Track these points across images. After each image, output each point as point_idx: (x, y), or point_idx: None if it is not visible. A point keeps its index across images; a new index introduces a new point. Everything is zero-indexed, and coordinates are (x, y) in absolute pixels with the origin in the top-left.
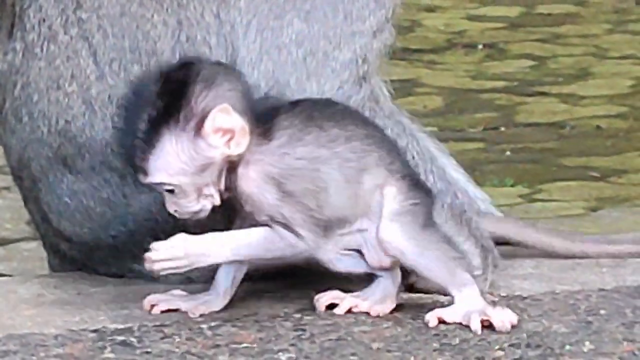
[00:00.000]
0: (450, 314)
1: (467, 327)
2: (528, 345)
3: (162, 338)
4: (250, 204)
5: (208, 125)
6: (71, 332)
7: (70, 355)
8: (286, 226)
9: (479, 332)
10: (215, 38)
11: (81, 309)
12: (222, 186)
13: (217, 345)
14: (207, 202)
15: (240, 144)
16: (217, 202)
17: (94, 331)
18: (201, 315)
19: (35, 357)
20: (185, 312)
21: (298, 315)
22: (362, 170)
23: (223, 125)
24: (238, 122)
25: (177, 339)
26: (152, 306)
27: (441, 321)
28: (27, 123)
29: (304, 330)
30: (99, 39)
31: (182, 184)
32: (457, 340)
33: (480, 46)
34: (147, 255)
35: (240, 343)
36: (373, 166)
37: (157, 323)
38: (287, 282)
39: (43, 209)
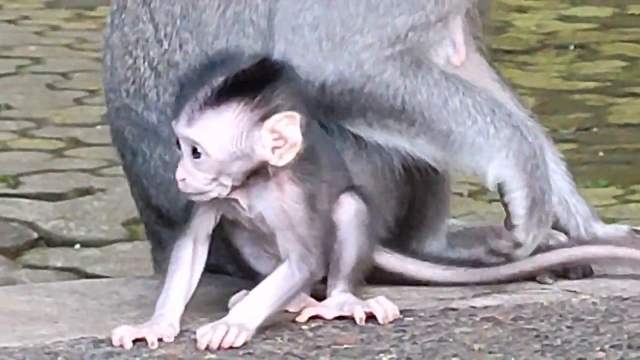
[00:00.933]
0: (325, 310)
1: (570, 327)
2: (630, 347)
3: (264, 339)
4: (271, 218)
5: (272, 121)
6: None
7: (173, 355)
8: (303, 248)
9: (363, 322)
10: (263, 20)
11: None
12: (237, 183)
13: (319, 347)
14: (216, 189)
15: (283, 157)
16: (224, 195)
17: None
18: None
19: (139, 357)
20: (288, 312)
21: (399, 316)
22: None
23: (283, 131)
24: (296, 136)
25: (279, 340)
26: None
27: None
28: (109, 90)
29: (404, 331)
30: (156, 4)
31: (214, 156)
32: (558, 342)
33: (572, 47)
34: (199, 345)
35: (342, 344)
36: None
37: None
38: (387, 282)
39: (142, 183)
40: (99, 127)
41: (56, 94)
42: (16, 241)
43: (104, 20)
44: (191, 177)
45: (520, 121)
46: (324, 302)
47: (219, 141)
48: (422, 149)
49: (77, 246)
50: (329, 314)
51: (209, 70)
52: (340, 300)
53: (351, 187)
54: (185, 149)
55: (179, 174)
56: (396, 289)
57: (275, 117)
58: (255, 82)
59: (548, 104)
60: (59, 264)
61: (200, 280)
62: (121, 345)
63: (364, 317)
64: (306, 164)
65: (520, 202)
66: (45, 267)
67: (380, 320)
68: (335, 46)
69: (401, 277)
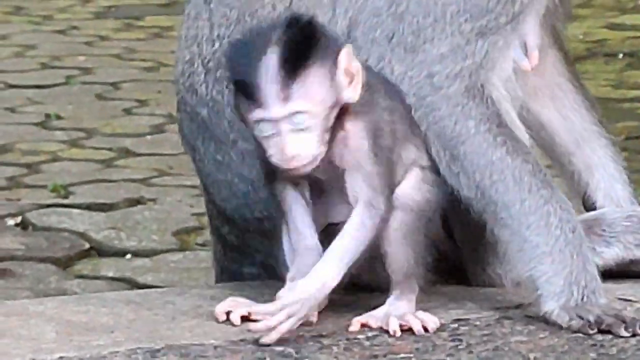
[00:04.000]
0: (372, 319)
1: (623, 337)
2: None
3: (319, 349)
4: (348, 164)
5: (342, 60)
6: (231, 342)
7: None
8: (370, 191)
9: (398, 333)
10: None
11: None
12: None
13: (375, 356)
14: (322, 148)
15: (357, 89)
16: (323, 154)
17: (253, 342)
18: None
19: None
20: (342, 321)
21: (454, 325)
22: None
23: (349, 66)
24: (358, 65)
25: (335, 349)
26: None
27: (364, 325)
28: (175, 81)
29: (460, 340)
30: (215, 5)
31: (319, 115)
32: (614, 350)
33: (620, 55)
34: (259, 326)
35: (398, 353)
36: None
37: (315, 333)
38: (442, 291)
39: (203, 180)
40: (148, 137)
41: (106, 104)
42: (68, 251)
43: (152, 30)
44: (304, 146)
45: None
46: (373, 312)
47: (320, 101)
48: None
49: (129, 256)
50: (374, 323)
51: (252, 51)
52: (387, 309)
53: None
54: (284, 127)
55: (290, 150)
56: (453, 296)
57: (342, 55)
58: (305, 36)
59: None
60: (110, 274)
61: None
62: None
63: (398, 331)
64: (364, 94)
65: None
66: (97, 278)
67: (416, 333)
68: (407, 53)
69: None
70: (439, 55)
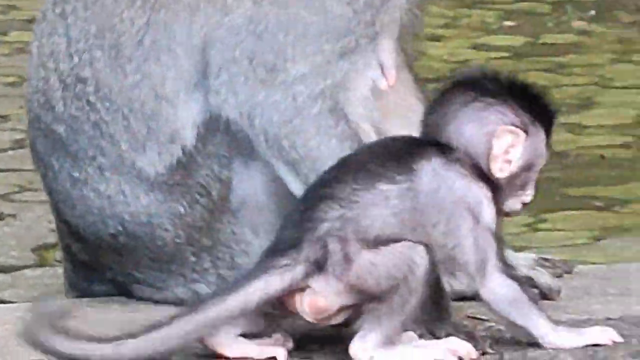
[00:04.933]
0: None
1: None
2: None
3: None
4: None
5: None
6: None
7: None
8: None
9: None
10: (181, 48)
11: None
12: None
13: None
14: None
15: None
16: None
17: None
18: None
19: None
20: None
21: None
22: None
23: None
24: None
25: None
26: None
27: None
28: (27, 99)
29: None
30: (73, 20)
31: None
32: None
33: None
34: None
35: None
36: None
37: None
38: None
39: (55, 198)
40: (10, 152)
41: None
42: None
43: (16, 45)
44: None
45: None
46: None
47: None
48: None
49: None
50: None
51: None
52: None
53: None
54: None
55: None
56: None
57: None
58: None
59: None
60: None
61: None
62: None
63: None
64: None
65: None
66: None
67: None
68: (269, 73)
69: None
70: (301, 75)
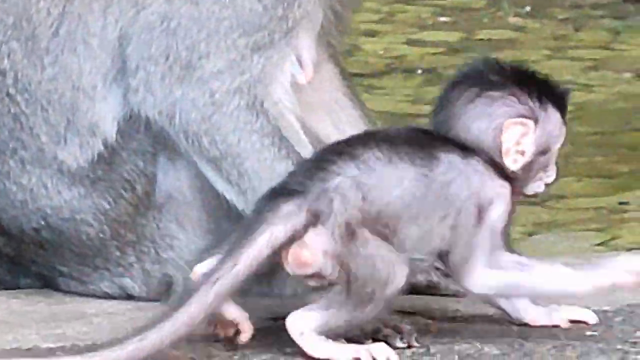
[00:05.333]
0: None
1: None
2: None
3: None
4: None
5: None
6: (5, 351)
7: None
8: None
9: None
10: (97, 41)
11: (14, 328)
12: None
13: None
14: None
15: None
16: None
17: (27, 350)
18: None
19: None
20: None
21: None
22: None
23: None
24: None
25: None
26: None
27: None
28: None
29: (235, 350)
30: None
31: None
32: None
33: (419, 71)
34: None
35: None
36: None
37: (90, 342)
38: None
39: None
40: None
41: None
42: None
43: None
44: None
45: None
46: None
47: None
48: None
49: None
50: None
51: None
52: None
53: None
54: None
55: None
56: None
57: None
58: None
59: None
60: None
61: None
62: None
63: None
64: None
65: None
66: None
67: None
68: (184, 70)
69: None
70: (216, 71)
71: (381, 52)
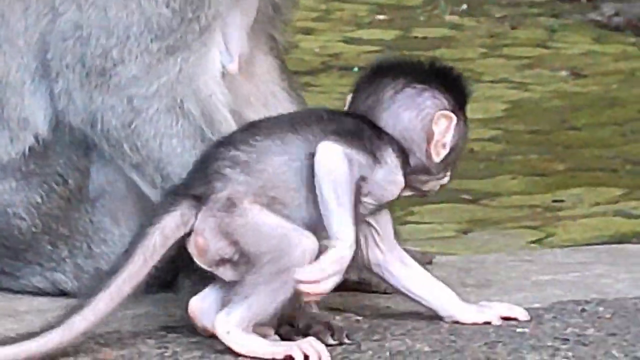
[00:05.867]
0: None
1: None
2: None
3: None
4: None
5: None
6: None
7: None
8: None
9: None
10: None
11: None
12: None
13: None
14: None
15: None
16: None
17: None
18: None
19: None
20: None
21: (162, 333)
22: None
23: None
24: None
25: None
26: None
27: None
28: None
29: (167, 347)
30: None
31: None
32: None
33: (355, 69)
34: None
35: None
36: None
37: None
38: (152, 299)
39: None
40: None
41: None
42: None
43: None
44: None
45: None
46: None
47: None
48: None
49: None
50: None
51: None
52: None
53: None
54: None
55: None
56: (161, 304)
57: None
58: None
59: None
60: None
61: None
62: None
63: None
64: None
65: None
66: None
67: None
68: (100, 78)
69: None
70: (132, 77)
71: (318, 50)
